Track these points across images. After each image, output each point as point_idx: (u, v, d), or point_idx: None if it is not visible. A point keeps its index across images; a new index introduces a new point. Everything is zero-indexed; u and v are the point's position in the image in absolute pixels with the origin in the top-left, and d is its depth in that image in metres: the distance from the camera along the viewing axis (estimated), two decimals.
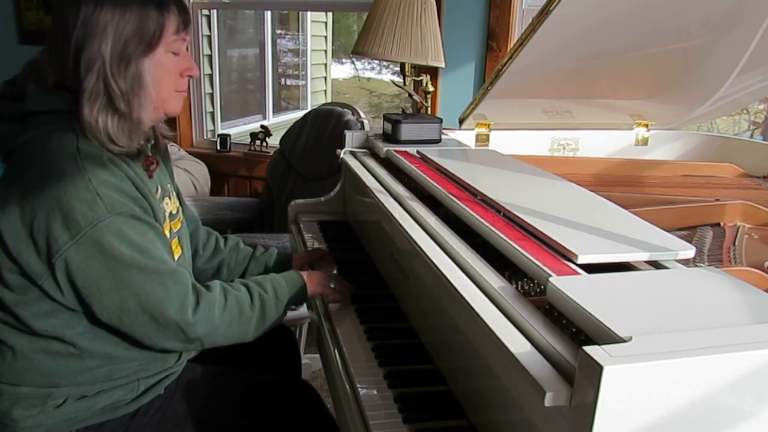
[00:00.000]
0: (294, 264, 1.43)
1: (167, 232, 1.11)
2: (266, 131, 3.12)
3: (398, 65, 1.93)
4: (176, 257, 1.14)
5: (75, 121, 1.00)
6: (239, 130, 3.95)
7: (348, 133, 1.74)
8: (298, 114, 3.70)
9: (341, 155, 1.69)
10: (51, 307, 1.01)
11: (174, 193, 1.25)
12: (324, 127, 2.44)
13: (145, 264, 0.98)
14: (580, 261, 0.84)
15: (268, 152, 3.05)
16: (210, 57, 3.22)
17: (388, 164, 1.55)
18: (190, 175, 2.85)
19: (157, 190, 1.12)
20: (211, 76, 3.25)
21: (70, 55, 0.99)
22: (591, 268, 0.83)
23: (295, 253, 1.48)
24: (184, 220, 1.25)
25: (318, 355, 1.33)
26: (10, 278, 1.00)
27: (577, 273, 0.82)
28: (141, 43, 1.01)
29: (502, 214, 1.05)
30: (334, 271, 1.40)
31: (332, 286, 1.24)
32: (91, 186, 0.95)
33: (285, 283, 1.18)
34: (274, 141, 2.95)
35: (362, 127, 2.26)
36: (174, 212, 1.20)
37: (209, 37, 3.21)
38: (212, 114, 3.33)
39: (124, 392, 1.09)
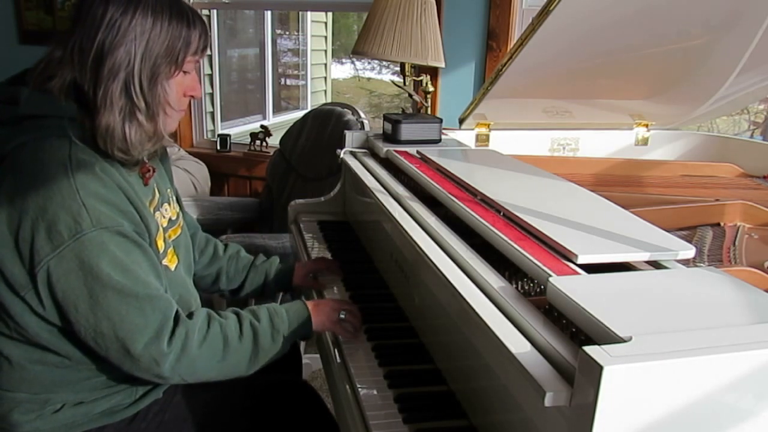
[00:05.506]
0: (296, 275, 1.40)
1: (161, 243, 1.08)
2: (266, 131, 3.12)
3: (398, 65, 1.93)
4: (173, 267, 1.11)
5: (70, 127, 0.96)
6: (239, 130, 3.95)
7: (348, 133, 1.74)
8: (298, 114, 3.69)
9: (341, 155, 1.69)
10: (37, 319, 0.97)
11: (174, 198, 1.23)
12: (324, 127, 2.44)
13: (123, 286, 0.93)
14: (580, 261, 0.84)
15: (268, 152, 3.05)
16: (210, 57, 3.22)
17: (388, 164, 1.55)
18: (190, 175, 2.84)
19: (153, 197, 1.10)
20: (211, 76, 3.25)
21: (90, 55, 0.95)
22: (591, 268, 0.83)
23: (297, 258, 1.44)
24: (184, 225, 1.23)
25: (318, 355, 1.33)
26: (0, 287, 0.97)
27: (577, 273, 0.82)
28: (170, 61, 1.00)
29: (502, 214, 1.05)
30: (340, 280, 1.36)
31: (342, 317, 1.14)
32: (78, 197, 0.91)
33: (285, 314, 1.10)
34: (274, 141, 2.95)
35: (362, 127, 2.26)
36: (173, 218, 1.18)
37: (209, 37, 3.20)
38: (212, 114, 3.33)
39: (122, 397, 1.09)
